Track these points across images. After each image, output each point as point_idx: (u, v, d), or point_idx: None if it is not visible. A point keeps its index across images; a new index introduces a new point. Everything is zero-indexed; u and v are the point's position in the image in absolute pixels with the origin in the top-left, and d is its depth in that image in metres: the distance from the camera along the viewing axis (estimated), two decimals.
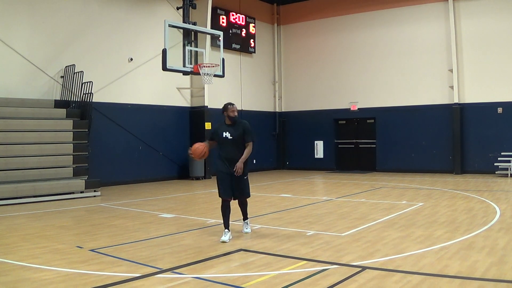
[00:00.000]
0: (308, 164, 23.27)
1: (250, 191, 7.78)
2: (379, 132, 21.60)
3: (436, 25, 20.08)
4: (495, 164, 18.08)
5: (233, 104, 7.60)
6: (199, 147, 7.51)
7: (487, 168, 18.48)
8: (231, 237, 7.48)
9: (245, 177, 7.54)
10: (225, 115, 7.57)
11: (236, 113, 7.54)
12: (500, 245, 6.77)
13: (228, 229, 7.51)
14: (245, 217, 8.00)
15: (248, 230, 8.01)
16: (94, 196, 13.75)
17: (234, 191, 7.52)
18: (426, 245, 6.82)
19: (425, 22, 20.36)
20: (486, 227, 8.09)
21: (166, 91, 19.00)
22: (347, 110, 22.41)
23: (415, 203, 11.24)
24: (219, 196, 7.53)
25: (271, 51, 24.49)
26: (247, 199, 7.82)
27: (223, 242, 7.25)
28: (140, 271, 5.69)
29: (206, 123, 19.48)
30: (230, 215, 7.60)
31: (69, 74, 15.32)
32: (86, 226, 9.16)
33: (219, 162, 7.53)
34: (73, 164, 14.01)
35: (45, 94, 15.21)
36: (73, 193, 13.41)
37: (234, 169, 7.31)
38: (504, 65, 18.56)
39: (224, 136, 7.43)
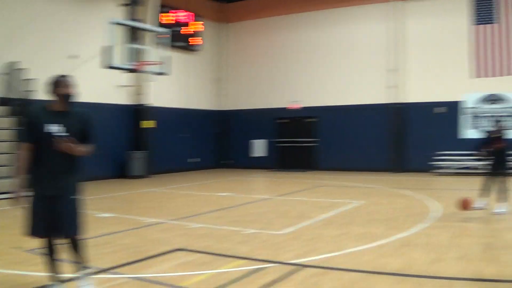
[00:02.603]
0: (249, 162, 23.17)
1: (84, 227, 4.67)
2: (321, 131, 21.81)
3: (378, 26, 20.48)
4: (432, 163, 18.61)
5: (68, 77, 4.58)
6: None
7: (426, 167, 18.87)
8: None
9: (72, 197, 4.55)
10: (55, 95, 4.49)
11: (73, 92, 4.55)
12: (438, 242, 7.00)
13: (59, 281, 4.68)
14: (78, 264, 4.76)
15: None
16: None
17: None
18: (365, 243, 6.96)
19: (368, 22, 20.78)
20: (424, 225, 8.33)
21: (109, 89, 18.52)
22: (288, 109, 22.51)
23: (355, 201, 11.42)
24: (30, 234, 4.56)
25: (217, 49, 24.38)
26: (80, 241, 4.66)
27: None
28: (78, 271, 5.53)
29: (148, 121, 19.20)
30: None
31: (11, 71, 14.68)
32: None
33: (35, 177, 4.51)
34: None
35: None
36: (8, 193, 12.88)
37: (61, 144, 4.36)
38: (445, 65, 19.11)
39: (48, 131, 4.41)
